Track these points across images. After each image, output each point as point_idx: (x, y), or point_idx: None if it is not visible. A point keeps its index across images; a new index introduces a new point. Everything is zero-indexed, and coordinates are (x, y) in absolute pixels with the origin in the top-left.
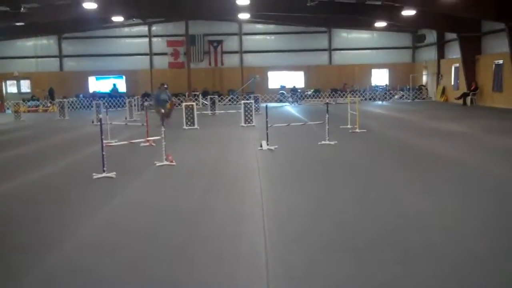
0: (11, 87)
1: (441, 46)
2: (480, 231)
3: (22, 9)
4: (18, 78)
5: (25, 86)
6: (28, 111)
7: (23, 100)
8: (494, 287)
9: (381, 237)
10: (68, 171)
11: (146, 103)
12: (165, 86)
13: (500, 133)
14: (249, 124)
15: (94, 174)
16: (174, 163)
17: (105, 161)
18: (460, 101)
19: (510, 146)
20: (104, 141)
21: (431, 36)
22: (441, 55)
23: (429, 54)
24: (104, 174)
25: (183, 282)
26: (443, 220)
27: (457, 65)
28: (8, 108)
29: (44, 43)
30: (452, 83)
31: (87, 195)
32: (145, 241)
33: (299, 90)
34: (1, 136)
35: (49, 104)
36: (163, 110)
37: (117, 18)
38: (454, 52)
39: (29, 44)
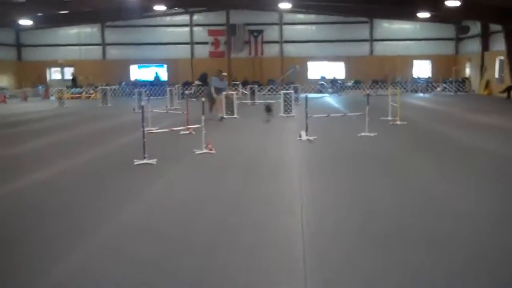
0: (55, 74)
1: (485, 38)
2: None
3: None
4: (62, 66)
5: (69, 73)
6: (72, 98)
7: (67, 87)
8: None
9: (416, 228)
10: (109, 157)
11: (187, 92)
12: (224, 73)
13: None
14: (288, 114)
15: (135, 160)
16: (213, 152)
17: (146, 148)
18: (504, 95)
19: None
20: (145, 128)
21: (475, 28)
22: (485, 47)
23: (473, 46)
24: (144, 161)
25: (220, 271)
26: (478, 213)
27: (502, 57)
28: (52, 95)
29: (88, 31)
30: (496, 76)
31: (128, 181)
32: (182, 229)
33: (339, 81)
34: (45, 122)
35: (92, 92)
36: (217, 99)
37: (159, 7)
38: (499, 44)
39: (73, 32)
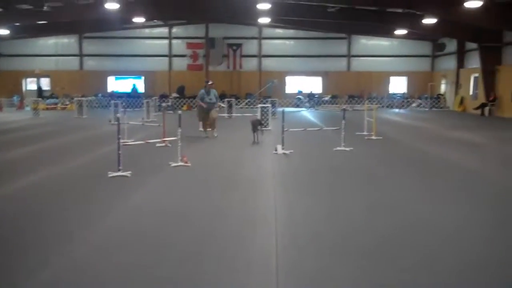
0: (31, 85)
1: (461, 56)
2: (488, 241)
3: (45, 7)
4: (38, 76)
5: (45, 84)
6: (47, 109)
7: (43, 98)
8: None
9: (390, 243)
10: (83, 169)
11: (164, 104)
12: (210, 82)
13: None
14: (265, 128)
15: (109, 172)
16: (189, 164)
17: (121, 160)
18: (478, 112)
19: None
20: (120, 140)
21: (451, 45)
22: (460, 64)
23: (449, 63)
24: (119, 173)
25: (193, 283)
26: (454, 228)
27: (477, 75)
28: (27, 106)
29: (65, 42)
30: (471, 93)
31: (101, 193)
32: (155, 242)
33: (316, 96)
34: (19, 132)
35: (67, 103)
36: (213, 114)
37: (138, 19)
38: (474, 61)
39: (50, 43)
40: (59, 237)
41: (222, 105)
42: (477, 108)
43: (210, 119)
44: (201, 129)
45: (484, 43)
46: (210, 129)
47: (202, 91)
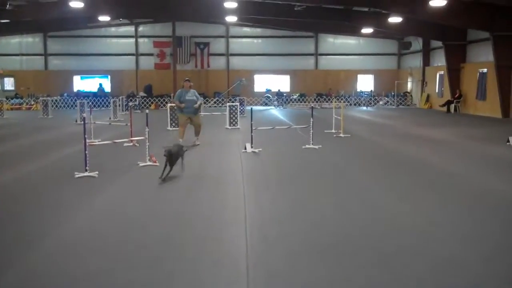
0: None
1: (426, 54)
2: (455, 236)
3: (8, 6)
4: (2, 76)
5: (9, 84)
6: (11, 109)
7: (7, 98)
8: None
9: (359, 240)
10: (49, 170)
11: (131, 103)
12: (187, 79)
13: (482, 141)
14: (234, 127)
15: (76, 173)
16: (157, 164)
17: (88, 160)
18: (444, 109)
19: (490, 154)
20: (87, 140)
21: (417, 44)
22: (426, 62)
23: (415, 61)
24: (86, 173)
25: (164, 284)
26: (419, 225)
27: (442, 72)
28: None
29: (29, 41)
30: (437, 90)
31: (67, 194)
32: (123, 243)
33: (284, 94)
34: None
35: (32, 103)
36: (195, 120)
37: (104, 18)
38: (439, 59)
39: (14, 42)
40: (19, 241)
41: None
42: (443, 105)
43: (195, 125)
44: (179, 135)
45: (449, 42)
46: (196, 137)
47: (179, 91)
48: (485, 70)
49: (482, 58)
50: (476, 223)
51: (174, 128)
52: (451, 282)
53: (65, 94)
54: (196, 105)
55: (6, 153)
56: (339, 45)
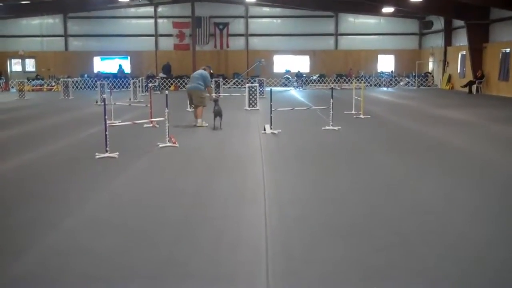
0: (16, 66)
1: (448, 33)
2: (475, 217)
3: None
4: (23, 57)
5: (30, 65)
6: (33, 90)
7: (28, 79)
8: (483, 270)
9: (379, 221)
10: (70, 150)
11: (150, 85)
12: (208, 67)
13: (504, 122)
14: (253, 108)
15: (96, 153)
16: (177, 145)
17: (108, 141)
18: (466, 89)
19: None
20: (107, 121)
21: (439, 23)
22: (448, 42)
23: (436, 41)
24: (106, 154)
25: (184, 262)
26: (441, 206)
27: (464, 52)
28: (12, 87)
29: (50, 22)
30: (458, 70)
31: (88, 175)
32: (145, 222)
33: (304, 75)
34: (5, 114)
35: (53, 84)
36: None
37: None
38: (461, 39)
39: (35, 23)
40: (41, 220)
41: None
42: (464, 86)
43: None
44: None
45: (471, 21)
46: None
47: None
48: (508, 50)
49: (505, 37)
50: (498, 204)
51: (193, 109)
52: (470, 261)
53: (86, 75)
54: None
55: (28, 134)
56: (359, 24)
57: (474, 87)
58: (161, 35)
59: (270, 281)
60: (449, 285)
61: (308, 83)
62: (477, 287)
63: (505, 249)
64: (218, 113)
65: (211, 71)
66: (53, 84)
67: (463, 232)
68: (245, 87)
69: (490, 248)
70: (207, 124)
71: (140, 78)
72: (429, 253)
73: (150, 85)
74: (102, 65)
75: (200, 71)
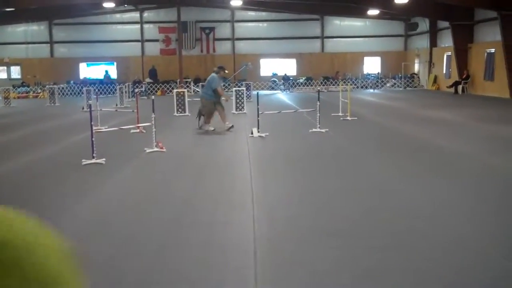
0: (1, 73)
1: (433, 34)
2: (466, 216)
3: None
4: (8, 64)
5: (16, 72)
6: (18, 98)
7: (13, 87)
8: (475, 270)
9: (367, 223)
10: (57, 157)
11: (137, 90)
12: (220, 68)
13: (490, 122)
14: (240, 112)
15: (83, 160)
16: (164, 150)
17: (95, 147)
18: (452, 90)
19: (499, 134)
20: (93, 128)
21: (424, 24)
22: (433, 43)
23: (422, 42)
24: (93, 160)
25: (172, 269)
26: (430, 207)
27: (449, 53)
28: None
29: (35, 29)
30: (444, 71)
31: (75, 181)
32: (133, 228)
33: (291, 78)
34: None
35: (39, 91)
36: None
37: (108, 4)
38: (447, 40)
39: (20, 30)
40: None
41: (197, 89)
42: (450, 87)
43: (222, 111)
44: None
45: (456, 22)
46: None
47: (217, 76)
48: (492, 50)
49: (489, 38)
50: (486, 203)
51: (180, 114)
52: (462, 262)
53: (72, 82)
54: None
55: (14, 141)
56: (345, 27)
57: (460, 88)
58: (147, 41)
59: (259, 284)
60: (441, 285)
61: (295, 86)
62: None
63: (496, 248)
64: (200, 113)
65: (224, 71)
66: (39, 91)
67: (452, 232)
68: (232, 91)
69: (482, 248)
70: (212, 128)
71: (127, 83)
72: (419, 254)
73: (136, 90)
74: (88, 71)
75: (210, 75)
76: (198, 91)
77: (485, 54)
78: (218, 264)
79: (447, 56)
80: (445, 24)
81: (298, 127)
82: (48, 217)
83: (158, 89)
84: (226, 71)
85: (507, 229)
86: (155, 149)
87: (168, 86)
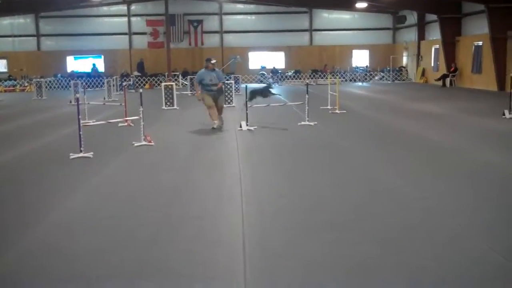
0: None
1: (421, 27)
2: (453, 210)
3: None
4: None
5: (2, 65)
6: (5, 91)
7: (0, 80)
8: (469, 264)
9: (358, 217)
10: (44, 151)
11: (125, 83)
12: (213, 61)
13: (477, 114)
14: (229, 105)
15: (71, 154)
16: (152, 144)
17: (82, 141)
18: (440, 83)
19: (486, 127)
20: (81, 121)
21: (412, 17)
22: (421, 36)
23: (410, 35)
24: (81, 154)
25: (161, 263)
26: (421, 200)
27: (437, 46)
28: None
29: (21, 22)
30: (432, 64)
31: (63, 175)
32: (121, 221)
33: (279, 71)
34: None
35: (26, 84)
36: (220, 102)
37: None
38: (434, 33)
39: (5, 23)
40: (16, 222)
41: (185, 82)
42: (438, 80)
43: (217, 107)
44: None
45: (444, 15)
46: (219, 118)
47: (201, 71)
48: (480, 43)
49: (477, 31)
50: (473, 196)
51: (169, 108)
52: (450, 256)
53: (59, 75)
54: (216, 88)
55: (1, 135)
56: (333, 20)
57: (447, 80)
58: (135, 33)
59: (247, 278)
60: (435, 281)
61: (284, 79)
62: (463, 283)
63: (482, 237)
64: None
65: (211, 62)
66: (26, 84)
67: (440, 225)
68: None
69: (469, 239)
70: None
71: (114, 77)
72: (411, 248)
73: (124, 83)
74: (76, 65)
75: (215, 73)
76: (186, 84)
77: (473, 47)
78: (206, 257)
79: (435, 49)
80: (433, 17)
81: (287, 120)
82: (36, 211)
83: (146, 82)
84: (213, 61)
85: (494, 221)
86: (143, 142)
87: (156, 79)
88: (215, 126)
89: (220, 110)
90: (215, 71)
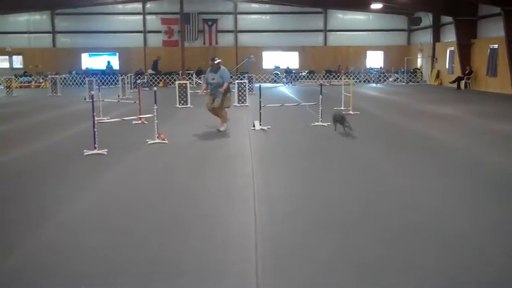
0: (3, 63)
1: (436, 29)
2: (464, 211)
3: None
4: (10, 54)
5: (18, 61)
6: (20, 87)
7: (15, 76)
8: (475, 265)
9: (368, 217)
10: (59, 147)
11: (139, 81)
12: (217, 60)
13: (492, 118)
14: (242, 104)
15: (85, 150)
16: (166, 142)
17: (97, 138)
18: (454, 85)
19: (500, 130)
20: (95, 118)
21: (427, 19)
22: (436, 38)
23: (425, 37)
24: (95, 151)
25: (173, 261)
26: (429, 201)
27: (452, 48)
28: (0, 84)
29: (37, 18)
30: (447, 66)
31: (77, 171)
32: (134, 219)
33: (293, 71)
34: None
35: (41, 80)
36: (215, 102)
37: None
38: (450, 35)
39: (22, 20)
40: (30, 218)
41: (199, 81)
42: (453, 82)
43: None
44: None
45: (460, 17)
46: (219, 120)
47: (207, 70)
48: (496, 46)
49: (493, 33)
50: (483, 198)
51: (182, 106)
52: (457, 256)
53: (74, 72)
54: (221, 89)
55: (16, 131)
56: (348, 21)
57: (462, 83)
58: (150, 32)
59: (259, 277)
60: (442, 280)
61: (297, 79)
62: (468, 282)
63: (488, 238)
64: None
65: (213, 61)
66: (41, 80)
67: (448, 225)
68: (234, 84)
69: (476, 240)
70: (222, 129)
71: (129, 74)
72: (421, 249)
73: (138, 81)
74: (91, 62)
75: (219, 72)
76: (200, 82)
77: (488, 50)
78: (218, 257)
79: (450, 51)
80: (449, 19)
81: (300, 121)
82: (49, 208)
83: (160, 80)
84: (217, 60)
85: (501, 222)
86: (157, 140)
87: (170, 77)
88: (221, 129)
89: (216, 112)
90: (220, 70)
